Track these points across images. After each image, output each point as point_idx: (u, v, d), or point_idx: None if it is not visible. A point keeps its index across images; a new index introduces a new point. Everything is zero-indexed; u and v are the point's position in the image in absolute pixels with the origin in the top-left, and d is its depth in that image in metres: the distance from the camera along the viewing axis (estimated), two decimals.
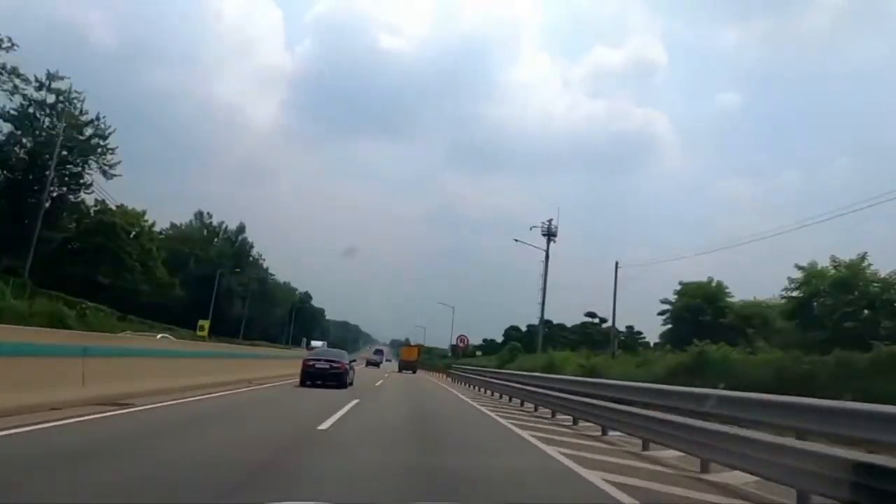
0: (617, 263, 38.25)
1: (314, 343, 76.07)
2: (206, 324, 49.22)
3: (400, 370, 52.38)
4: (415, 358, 56.68)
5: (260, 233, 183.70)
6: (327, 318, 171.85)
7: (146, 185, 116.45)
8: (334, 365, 19.47)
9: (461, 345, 64.77)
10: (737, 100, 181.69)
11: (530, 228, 47.00)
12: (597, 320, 64.52)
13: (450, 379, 40.28)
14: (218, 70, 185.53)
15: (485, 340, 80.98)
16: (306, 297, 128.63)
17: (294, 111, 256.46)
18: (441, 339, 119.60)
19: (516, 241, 46.48)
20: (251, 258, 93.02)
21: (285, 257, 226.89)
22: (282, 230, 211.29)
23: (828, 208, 76.61)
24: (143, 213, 57.77)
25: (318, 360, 20.03)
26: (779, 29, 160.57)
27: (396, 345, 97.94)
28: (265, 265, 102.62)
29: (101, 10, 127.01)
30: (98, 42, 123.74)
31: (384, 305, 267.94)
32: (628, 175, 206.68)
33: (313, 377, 19.21)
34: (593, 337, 55.82)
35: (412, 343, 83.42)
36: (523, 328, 69.38)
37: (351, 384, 20.07)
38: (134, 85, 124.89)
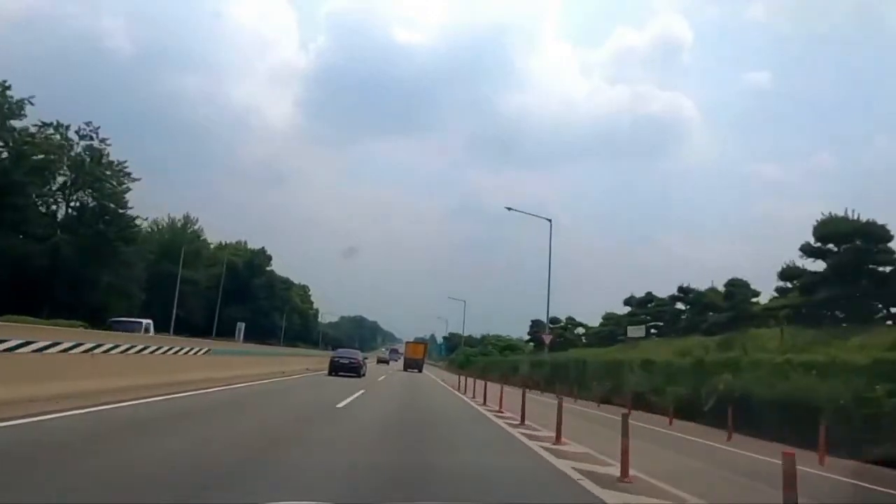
0: None
1: None
2: None
3: (405, 368, 52.43)
4: (420, 356, 57.10)
5: (277, 233, 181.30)
6: (342, 315, 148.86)
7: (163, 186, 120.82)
8: (352, 360, 28.62)
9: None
10: (766, 77, 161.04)
11: None
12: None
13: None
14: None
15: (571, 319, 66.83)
16: (259, 259, 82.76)
17: (313, 111, 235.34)
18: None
19: None
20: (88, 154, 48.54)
21: (303, 256, 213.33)
22: (297, 228, 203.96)
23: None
24: None
25: (341, 357, 29.08)
26: None
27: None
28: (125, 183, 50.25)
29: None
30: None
31: (407, 303, 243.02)
32: (659, 160, 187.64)
33: (337, 369, 27.59)
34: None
35: (425, 340, 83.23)
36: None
37: (364, 375, 28.13)
38: (155, 88, 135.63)
